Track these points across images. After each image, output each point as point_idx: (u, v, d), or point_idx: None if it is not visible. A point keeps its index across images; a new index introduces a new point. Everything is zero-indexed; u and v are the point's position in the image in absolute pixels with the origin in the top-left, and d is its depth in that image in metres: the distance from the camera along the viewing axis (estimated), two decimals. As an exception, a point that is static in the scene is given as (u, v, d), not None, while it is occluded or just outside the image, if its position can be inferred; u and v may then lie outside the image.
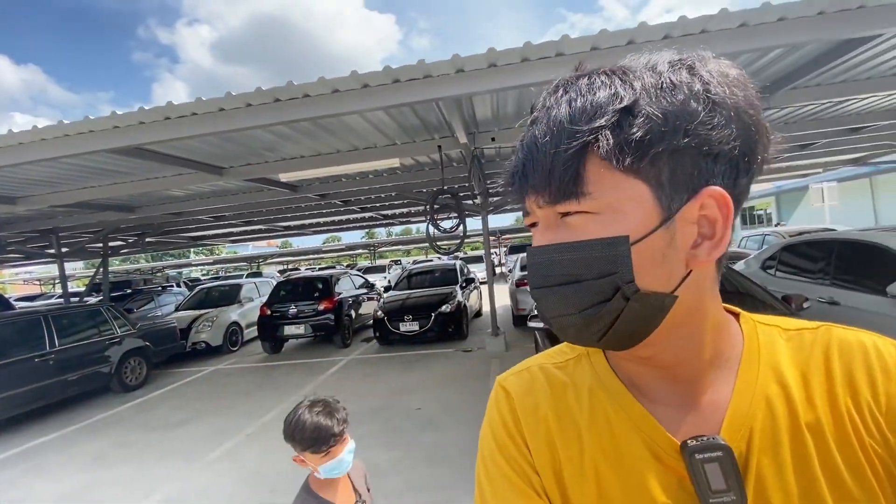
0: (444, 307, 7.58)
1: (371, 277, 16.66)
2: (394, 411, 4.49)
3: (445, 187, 4.12)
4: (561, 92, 0.40)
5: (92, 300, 9.52)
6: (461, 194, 4.52)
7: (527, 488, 0.46)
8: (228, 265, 34.79)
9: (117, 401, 6.02)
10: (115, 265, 30.87)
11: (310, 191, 6.26)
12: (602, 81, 0.38)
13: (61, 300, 9.04)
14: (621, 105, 0.36)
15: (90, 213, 6.49)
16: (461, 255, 22.83)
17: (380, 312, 7.78)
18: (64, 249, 7.73)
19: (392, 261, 31.07)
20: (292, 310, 8.18)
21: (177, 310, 9.83)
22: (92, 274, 8.64)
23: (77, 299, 9.66)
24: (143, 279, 17.22)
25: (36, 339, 5.56)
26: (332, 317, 8.14)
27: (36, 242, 7.57)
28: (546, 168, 0.38)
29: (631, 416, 0.44)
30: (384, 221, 11.48)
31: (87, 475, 3.75)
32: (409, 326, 7.41)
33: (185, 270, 35.02)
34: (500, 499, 0.47)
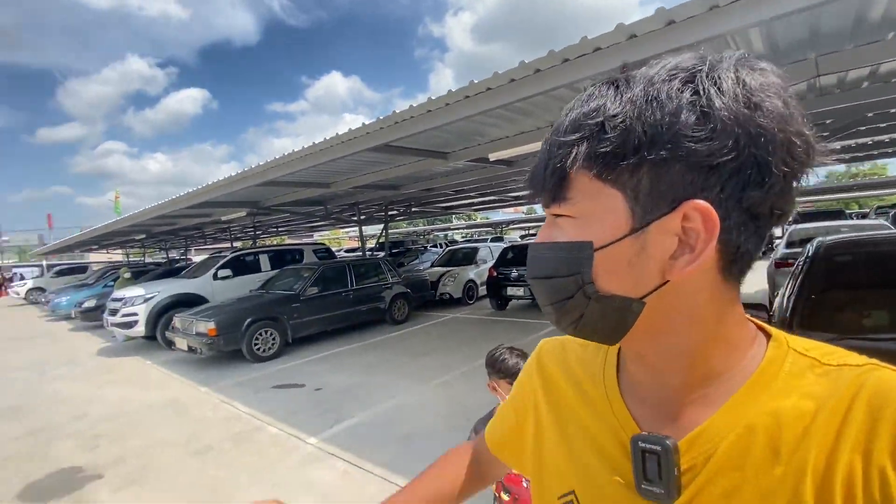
0: (669, 284, 6.88)
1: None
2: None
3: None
4: (574, 101, 0.42)
5: (380, 255, 12.81)
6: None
7: (515, 414, 0.62)
8: (479, 230, 39.44)
9: (387, 330, 8.18)
10: (403, 227, 39.72)
11: (525, 164, 6.68)
12: (600, 93, 0.39)
13: (360, 254, 12.64)
14: (596, 119, 0.38)
15: (374, 191, 8.75)
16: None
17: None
18: (363, 217, 10.65)
19: (636, 228, 28.65)
20: (514, 273, 8.99)
21: (432, 266, 12.16)
22: (387, 234, 11.63)
23: (370, 254, 13.26)
24: (412, 240, 21.72)
25: (343, 280, 8.12)
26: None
27: (347, 212, 10.85)
28: (541, 174, 0.42)
29: (612, 402, 0.48)
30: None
31: (360, 378, 5.45)
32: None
33: (448, 233, 41.71)
34: (501, 410, 0.66)
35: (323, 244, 11.44)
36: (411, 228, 40.12)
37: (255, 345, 6.63)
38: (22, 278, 22.63)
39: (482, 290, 10.65)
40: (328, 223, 13.97)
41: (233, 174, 5.78)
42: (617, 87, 0.39)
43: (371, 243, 19.03)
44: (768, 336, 0.44)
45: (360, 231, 10.84)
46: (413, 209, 12.24)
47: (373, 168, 6.40)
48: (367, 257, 10.44)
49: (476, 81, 3.03)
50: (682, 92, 0.36)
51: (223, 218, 10.29)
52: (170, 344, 7.15)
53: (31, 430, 4.46)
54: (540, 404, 0.57)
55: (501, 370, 1.61)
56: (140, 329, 7.76)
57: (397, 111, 3.55)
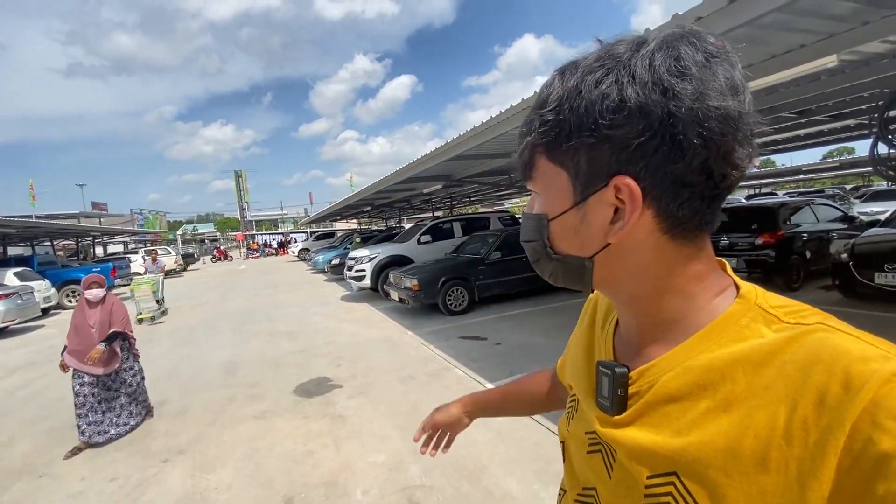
0: (973, 258, 4.88)
1: (876, 206, 12.21)
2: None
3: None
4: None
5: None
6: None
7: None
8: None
9: (566, 297, 8.16)
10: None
11: (793, 95, 5.54)
12: (552, 81, 0.45)
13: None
14: (543, 109, 0.45)
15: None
16: None
17: (844, 255, 5.98)
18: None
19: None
20: (724, 241, 7.70)
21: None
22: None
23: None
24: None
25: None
26: (772, 253, 7.04)
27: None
28: (518, 157, 0.51)
29: (607, 336, 0.59)
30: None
31: (537, 339, 5.72)
32: (888, 279, 5.35)
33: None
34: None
35: (508, 212, 11.97)
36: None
37: (449, 300, 7.59)
38: (295, 241, 30.71)
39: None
40: (514, 191, 14.45)
41: (427, 152, 6.62)
42: (563, 75, 0.45)
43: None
44: (738, 291, 0.47)
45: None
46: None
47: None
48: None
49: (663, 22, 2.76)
50: (600, 84, 0.41)
51: (425, 191, 11.78)
52: (387, 294, 8.80)
53: (301, 349, 6.28)
54: (580, 330, 0.70)
55: None
56: (367, 282, 9.75)
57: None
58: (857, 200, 14.92)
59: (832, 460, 0.34)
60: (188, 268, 26.20)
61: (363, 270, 9.74)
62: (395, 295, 8.10)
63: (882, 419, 0.32)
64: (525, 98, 4.18)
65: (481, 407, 0.97)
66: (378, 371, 5.03)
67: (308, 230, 36.07)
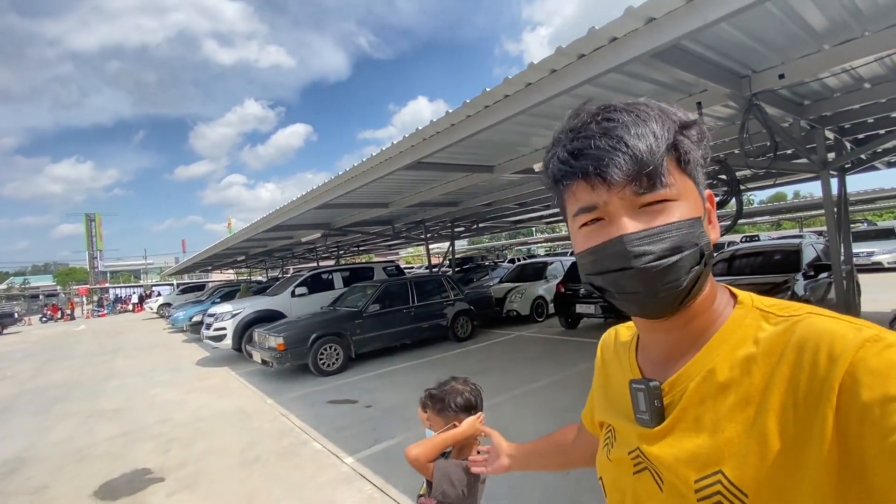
0: (764, 301, 5.90)
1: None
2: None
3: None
4: (623, 114, 0.49)
5: (449, 271, 12.81)
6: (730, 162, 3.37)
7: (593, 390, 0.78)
8: (560, 243, 37.84)
9: (449, 347, 8.09)
10: (485, 242, 39.50)
11: None
12: (649, 112, 0.50)
13: (427, 271, 12.76)
14: (689, 119, 0.51)
15: (436, 208, 8.83)
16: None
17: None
18: (429, 235, 10.79)
19: (746, 237, 26.13)
20: (582, 290, 8.39)
21: (500, 282, 11.88)
22: (453, 251, 11.63)
23: (436, 270, 13.37)
24: (481, 256, 21.53)
25: (404, 297, 8.21)
26: (623, 300, 7.85)
27: (414, 230, 11.12)
28: (644, 163, 0.47)
29: (630, 361, 0.65)
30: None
31: (410, 396, 5.38)
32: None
33: (532, 247, 40.52)
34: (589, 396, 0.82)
35: (392, 262, 11.81)
36: (493, 244, 39.85)
37: (321, 359, 6.93)
38: (159, 295, 26.70)
39: (553, 308, 10.12)
40: (400, 242, 14.51)
41: (294, 198, 6.22)
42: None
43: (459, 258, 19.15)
44: (736, 299, 0.56)
45: (427, 249, 10.98)
46: (479, 225, 12.15)
47: (423, 186, 6.47)
48: (427, 274, 10.52)
49: (489, 89, 2.89)
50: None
51: (303, 239, 11.12)
52: (250, 356, 7.79)
53: (124, 432, 5.09)
54: (598, 376, 0.76)
55: (453, 404, 1.40)
56: (228, 342, 8.58)
57: (420, 128, 3.52)
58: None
59: (831, 419, 0.41)
60: (4, 330, 21.01)
61: (223, 329, 8.58)
62: (257, 356, 7.18)
63: (860, 375, 0.41)
64: (380, 152, 4.12)
65: (524, 455, 1.02)
66: (217, 454, 4.21)
67: (174, 282, 31.71)
